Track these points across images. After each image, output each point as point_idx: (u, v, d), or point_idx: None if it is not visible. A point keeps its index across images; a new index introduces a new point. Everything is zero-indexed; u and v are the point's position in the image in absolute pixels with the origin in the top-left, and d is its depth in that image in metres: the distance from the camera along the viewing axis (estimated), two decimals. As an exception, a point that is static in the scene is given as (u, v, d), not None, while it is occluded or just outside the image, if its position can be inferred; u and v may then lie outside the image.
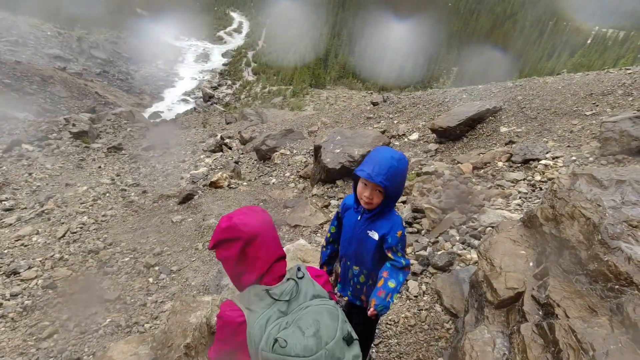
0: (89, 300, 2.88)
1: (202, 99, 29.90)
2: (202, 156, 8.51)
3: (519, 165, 3.77)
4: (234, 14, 66.53)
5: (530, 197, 3.05)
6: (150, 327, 2.57)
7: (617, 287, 1.25)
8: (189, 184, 6.12)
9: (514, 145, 4.38)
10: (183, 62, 38.76)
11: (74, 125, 10.67)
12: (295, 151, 7.17)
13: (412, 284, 2.41)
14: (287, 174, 6.17)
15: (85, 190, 5.75)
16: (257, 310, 0.96)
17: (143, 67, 29.53)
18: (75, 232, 4.34)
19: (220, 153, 8.63)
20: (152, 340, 1.86)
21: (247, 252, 0.98)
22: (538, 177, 3.41)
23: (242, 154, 8.18)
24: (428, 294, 2.31)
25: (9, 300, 2.91)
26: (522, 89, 6.19)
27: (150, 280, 3.28)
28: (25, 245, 4.05)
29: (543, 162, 3.63)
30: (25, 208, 5.21)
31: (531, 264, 1.65)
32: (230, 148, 9.04)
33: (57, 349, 2.34)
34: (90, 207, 5.10)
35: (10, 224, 4.71)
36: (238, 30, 59.68)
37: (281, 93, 37.52)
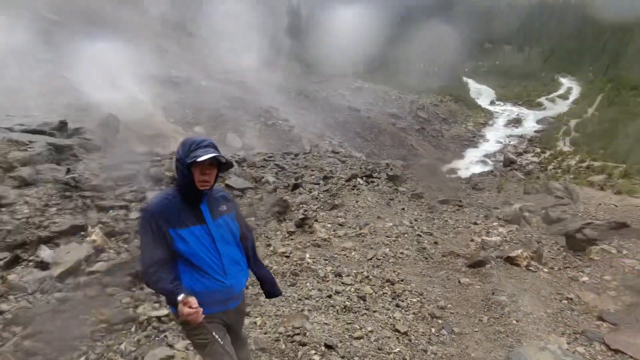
0: (384, 324, 3.42)
1: (501, 163, 28.82)
2: (495, 223, 8.14)
3: None
4: (563, 80, 60.37)
5: None
6: (429, 376, 2.73)
7: None
8: (479, 248, 6.04)
9: None
10: (492, 126, 38.95)
11: (391, 169, 13.04)
12: (625, 252, 5.60)
13: None
14: (607, 278, 4.89)
15: (390, 226, 6.83)
16: None
17: (454, 127, 32.22)
18: (379, 259, 5.25)
19: (517, 226, 7.96)
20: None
21: None
22: None
23: (544, 233, 7.22)
24: None
25: (336, 294, 3.93)
26: None
27: (433, 330, 3.47)
28: (347, 257, 5.30)
29: None
30: (350, 227, 6.81)
31: None
32: (529, 223, 8.19)
33: (361, 352, 2.93)
34: (392, 242, 6.02)
35: (340, 236, 6.28)
36: (564, 96, 53.51)
37: (606, 171, 30.27)
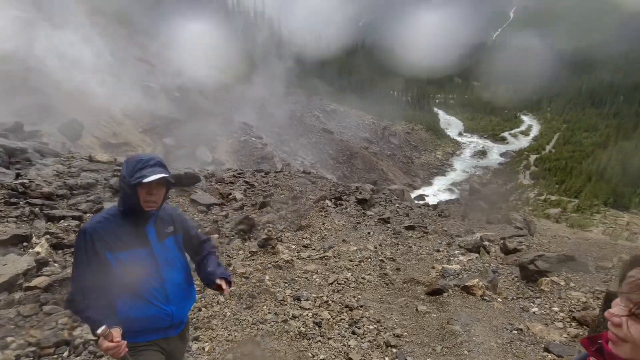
0: (338, 352, 3.35)
1: (467, 192, 30.04)
2: (456, 251, 8.34)
3: None
4: (524, 117, 64.63)
5: None
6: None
7: None
8: (439, 277, 6.13)
9: None
10: (460, 156, 40.72)
11: (360, 193, 13.17)
12: (572, 284, 5.86)
13: None
14: (555, 309, 5.08)
15: (354, 250, 6.83)
16: None
17: (424, 155, 33.37)
18: (340, 284, 5.21)
19: (477, 255, 8.18)
20: None
21: None
22: None
23: (501, 263, 7.45)
24: None
25: (292, 319, 3.83)
26: None
27: (387, 359, 3.44)
28: (308, 280, 5.22)
29: None
30: (315, 249, 6.75)
31: None
32: (488, 252, 8.45)
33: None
34: (355, 266, 6.01)
35: (303, 258, 6.21)
36: (525, 132, 57.12)
37: (561, 205, 32.29)
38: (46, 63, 14.63)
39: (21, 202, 5.70)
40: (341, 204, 10.55)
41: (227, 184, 11.08)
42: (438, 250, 8.07)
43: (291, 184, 12.58)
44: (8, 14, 16.34)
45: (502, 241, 8.96)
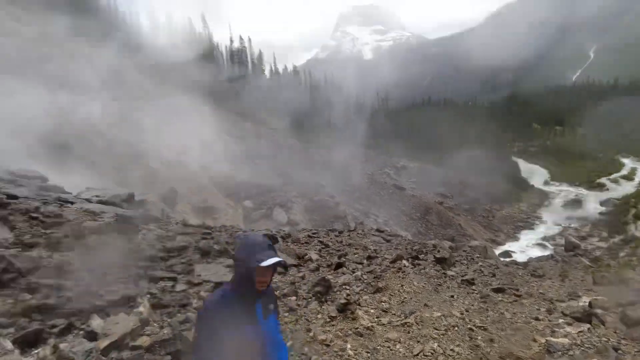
0: None
1: (563, 247, 26.50)
2: (561, 321, 7.27)
3: None
4: (625, 160, 57.10)
5: None
6: None
7: None
8: (543, 351, 5.33)
9: None
10: (548, 207, 36.76)
11: (438, 251, 12.42)
12: None
13: None
14: None
15: (438, 317, 6.33)
16: None
17: (505, 207, 30.87)
18: (426, 356, 4.81)
19: (588, 325, 7.01)
20: None
21: None
22: None
23: (623, 338, 6.25)
24: None
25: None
26: None
27: None
28: (391, 349, 4.92)
29: None
30: (395, 314, 6.41)
31: None
32: (603, 323, 7.16)
33: None
34: (441, 336, 5.53)
35: (384, 324, 5.91)
36: (628, 177, 50.06)
37: (693, 261, 26.54)
38: (150, 140, 17.29)
39: (130, 265, 6.48)
40: (419, 264, 10.03)
41: (302, 244, 11.32)
42: (537, 319, 7.10)
43: (365, 242, 12.40)
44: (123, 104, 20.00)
45: (620, 309, 7.58)
